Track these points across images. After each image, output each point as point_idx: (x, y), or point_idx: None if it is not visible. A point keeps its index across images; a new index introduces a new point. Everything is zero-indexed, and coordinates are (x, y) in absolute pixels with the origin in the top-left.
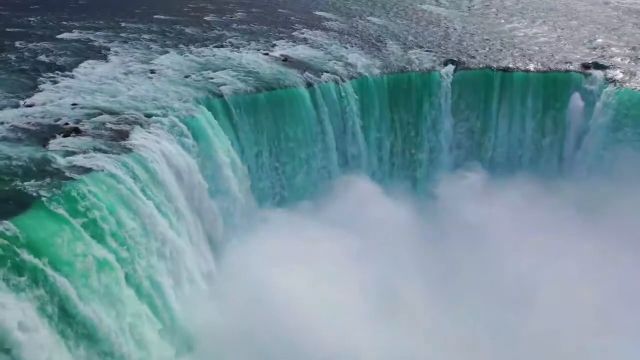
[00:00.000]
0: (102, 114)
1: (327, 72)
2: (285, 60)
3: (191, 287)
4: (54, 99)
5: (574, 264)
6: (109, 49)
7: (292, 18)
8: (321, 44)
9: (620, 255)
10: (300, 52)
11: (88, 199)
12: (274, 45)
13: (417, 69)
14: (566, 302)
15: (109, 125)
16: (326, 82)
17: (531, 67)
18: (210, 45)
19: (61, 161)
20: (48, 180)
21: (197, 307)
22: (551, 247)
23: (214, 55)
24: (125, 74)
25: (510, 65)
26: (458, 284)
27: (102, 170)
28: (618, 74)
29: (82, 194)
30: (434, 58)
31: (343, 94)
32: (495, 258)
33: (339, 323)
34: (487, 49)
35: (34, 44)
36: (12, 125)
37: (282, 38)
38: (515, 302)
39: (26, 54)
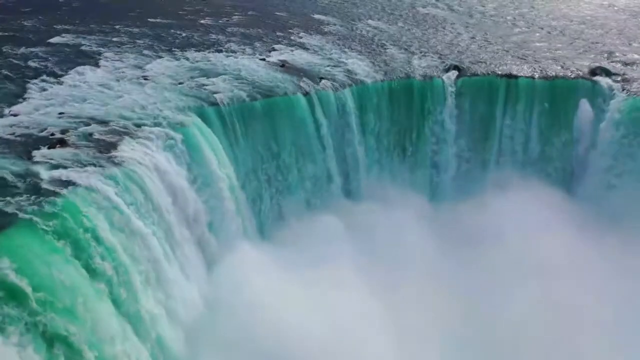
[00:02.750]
0: (90, 124)
1: (325, 78)
2: (283, 65)
3: (185, 307)
4: (40, 107)
5: (582, 276)
6: (100, 54)
7: (290, 22)
8: (320, 49)
9: (632, 266)
10: (298, 57)
11: (73, 215)
12: (271, 50)
13: (419, 75)
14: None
15: (97, 136)
16: (324, 88)
17: (537, 73)
18: (206, 51)
19: (45, 175)
20: (30, 195)
21: (191, 329)
22: (557, 258)
23: (209, 61)
24: (117, 80)
25: (516, 72)
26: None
27: (88, 186)
28: (627, 80)
29: (66, 210)
30: (437, 64)
31: (342, 101)
32: (501, 269)
33: (339, 339)
34: (491, 54)
35: (23, 48)
36: None
37: (279, 42)
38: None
39: (14, 59)
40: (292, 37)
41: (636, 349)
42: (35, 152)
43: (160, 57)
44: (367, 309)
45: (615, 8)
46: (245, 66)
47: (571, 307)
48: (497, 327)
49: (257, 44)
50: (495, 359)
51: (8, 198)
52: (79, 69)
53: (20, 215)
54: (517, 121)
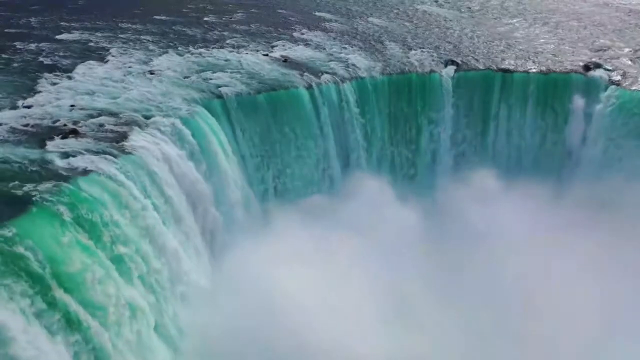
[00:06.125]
0: (100, 115)
1: (327, 73)
2: (285, 61)
3: (191, 290)
4: (52, 100)
5: (580, 264)
6: (108, 50)
7: (292, 19)
8: (321, 45)
9: (626, 253)
10: (300, 53)
11: (86, 200)
12: (273, 46)
13: (418, 70)
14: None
15: (107, 127)
16: (326, 83)
17: (532, 68)
18: (210, 46)
19: (59, 163)
20: (46, 181)
21: (197, 311)
22: (556, 248)
23: (213, 56)
24: (124, 75)
25: (511, 66)
26: (459, 285)
27: (101, 172)
28: (619, 75)
29: (80, 196)
30: (435, 59)
31: (343, 95)
32: (499, 260)
33: (341, 324)
34: (487, 49)
35: (33, 44)
36: (10, 127)
37: (282, 39)
38: (518, 303)
39: (25, 54)
40: (293, 34)
41: None
42: (49, 142)
43: (165, 52)
44: None
45: (610, 7)
46: (248, 61)
47: None
48: None
49: (260, 40)
50: None
51: (25, 184)
52: (88, 63)
53: (37, 200)
54: (513, 113)
